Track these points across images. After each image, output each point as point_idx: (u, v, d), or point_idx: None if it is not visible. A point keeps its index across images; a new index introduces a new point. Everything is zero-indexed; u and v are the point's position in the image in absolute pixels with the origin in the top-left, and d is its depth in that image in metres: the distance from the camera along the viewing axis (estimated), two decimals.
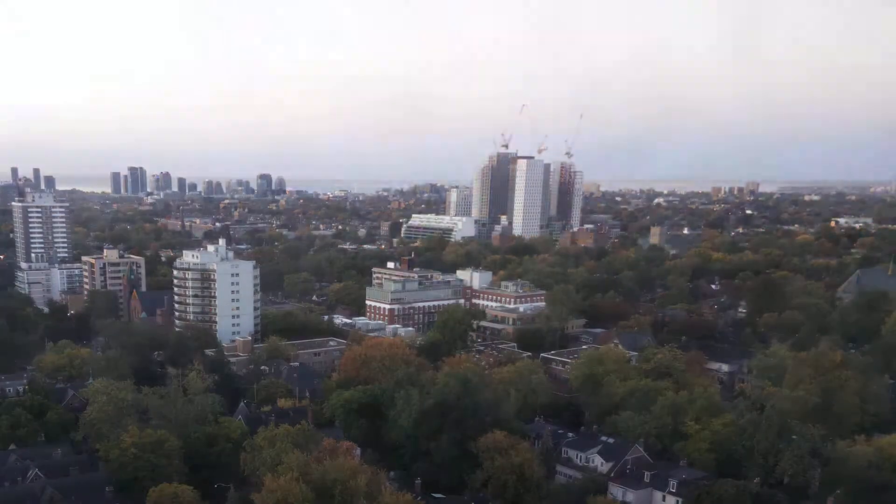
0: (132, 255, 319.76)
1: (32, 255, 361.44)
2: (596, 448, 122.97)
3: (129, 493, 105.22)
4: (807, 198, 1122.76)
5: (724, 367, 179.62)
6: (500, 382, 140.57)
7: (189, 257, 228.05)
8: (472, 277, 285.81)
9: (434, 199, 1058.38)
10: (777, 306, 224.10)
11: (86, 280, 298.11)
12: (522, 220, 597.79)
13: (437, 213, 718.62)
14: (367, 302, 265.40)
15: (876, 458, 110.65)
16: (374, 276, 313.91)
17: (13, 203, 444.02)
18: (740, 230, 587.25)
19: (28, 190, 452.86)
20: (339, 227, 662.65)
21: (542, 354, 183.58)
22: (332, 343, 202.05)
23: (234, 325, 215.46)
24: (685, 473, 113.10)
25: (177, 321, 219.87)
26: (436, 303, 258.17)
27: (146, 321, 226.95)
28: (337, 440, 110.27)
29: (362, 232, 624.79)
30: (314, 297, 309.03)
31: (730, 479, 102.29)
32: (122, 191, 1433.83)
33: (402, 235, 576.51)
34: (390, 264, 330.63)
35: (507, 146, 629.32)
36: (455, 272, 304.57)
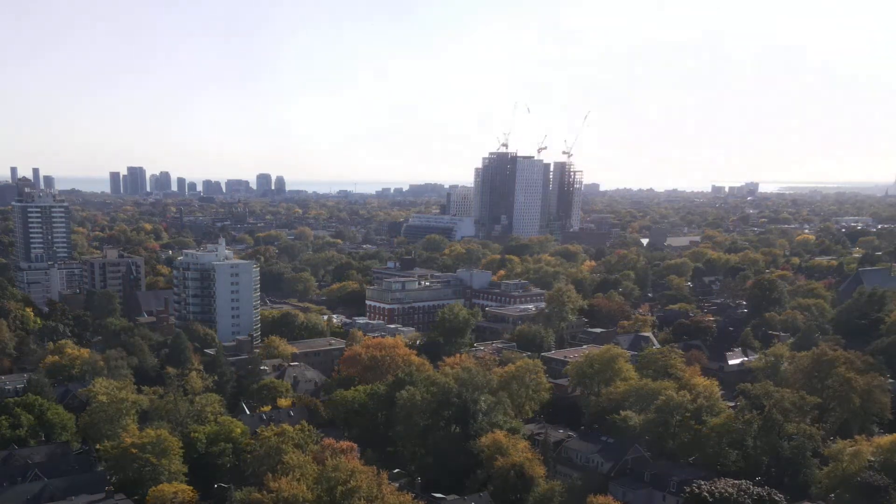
0: (131, 255, 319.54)
1: (32, 255, 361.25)
2: (596, 448, 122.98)
3: (129, 493, 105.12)
4: (807, 198, 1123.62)
5: (725, 367, 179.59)
6: (500, 382, 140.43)
7: (188, 257, 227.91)
8: (472, 277, 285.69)
9: (434, 199, 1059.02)
10: (777, 306, 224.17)
11: (85, 280, 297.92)
12: (522, 220, 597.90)
13: (437, 213, 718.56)
14: (367, 302, 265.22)
15: (876, 458, 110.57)
16: (375, 276, 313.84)
17: (13, 203, 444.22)
18: (740, 230, 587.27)
19: (27, 190, 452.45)
20: (339, 226, 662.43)
21: (542, 354, 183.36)
22: (332, 343, 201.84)
23: (233, 324, 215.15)
24: (685, 473, 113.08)
25: (176, 321, 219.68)
26: (436, 303, 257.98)
27: (146, 321, 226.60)
28: (337, 440, 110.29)
29: (362, 232, 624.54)
30: (314, 297, 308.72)
31: (730, 479, 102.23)
32: (122, 191, 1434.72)
33: (402, 235, 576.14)
34: (390, 264, 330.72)
35: (506, 145, 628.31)
36: (455, 272, 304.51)
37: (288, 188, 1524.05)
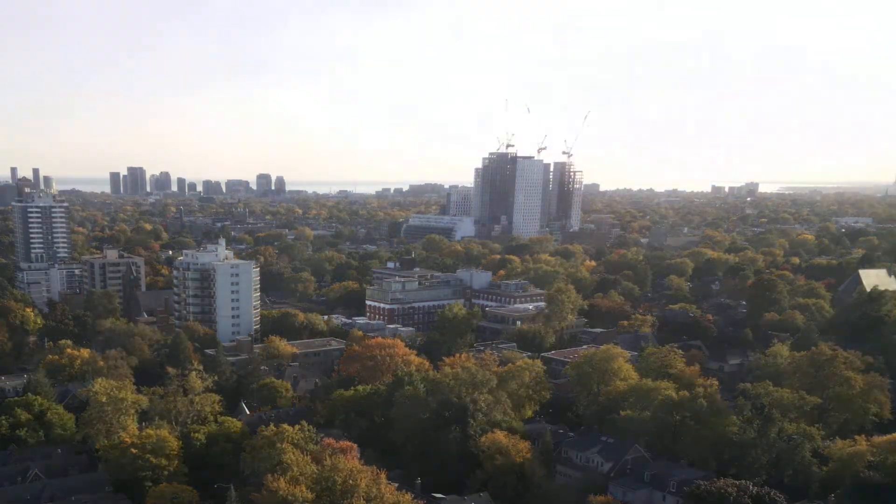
0: (131, 255, 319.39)
1: (32, 255, 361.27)
2: (596, 448, 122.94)
3: (129, 493, 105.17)
4: (807, 198, 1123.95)
5: (725, 367, 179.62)
6: (500, 382, 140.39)
7: (188, 257, 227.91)
8: (472, 277, 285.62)
9: (434, 199, 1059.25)
10: (776, 306, 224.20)
11: (85, 280, 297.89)
12: (522, 220, 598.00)
13: (437, 213, 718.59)
14: (367, 302, 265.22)
15: (876, 458, 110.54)
16: (375, 276, 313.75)
17: (13, 203, 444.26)
18: (740, 230, 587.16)
19: (27, 190, 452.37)
20: (339, 226, 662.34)
21: (542, 354, 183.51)
22: (332, 343, 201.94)
23: (233, 324, 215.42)
24: (685, 473, 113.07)
25: (176, 321, 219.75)
26: (436, 303, 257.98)
27: (146, 321, 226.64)
28: (337, 440, 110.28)
29: (362, 232, 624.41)
30: (314, 297, 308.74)
31: (730, 479, 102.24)
32: (122, 191, 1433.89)
33: (402, 235, 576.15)
34: (390, 264, 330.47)
35: (513, 145, 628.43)
36: (455, 272, 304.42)
37: (288, 188, 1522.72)
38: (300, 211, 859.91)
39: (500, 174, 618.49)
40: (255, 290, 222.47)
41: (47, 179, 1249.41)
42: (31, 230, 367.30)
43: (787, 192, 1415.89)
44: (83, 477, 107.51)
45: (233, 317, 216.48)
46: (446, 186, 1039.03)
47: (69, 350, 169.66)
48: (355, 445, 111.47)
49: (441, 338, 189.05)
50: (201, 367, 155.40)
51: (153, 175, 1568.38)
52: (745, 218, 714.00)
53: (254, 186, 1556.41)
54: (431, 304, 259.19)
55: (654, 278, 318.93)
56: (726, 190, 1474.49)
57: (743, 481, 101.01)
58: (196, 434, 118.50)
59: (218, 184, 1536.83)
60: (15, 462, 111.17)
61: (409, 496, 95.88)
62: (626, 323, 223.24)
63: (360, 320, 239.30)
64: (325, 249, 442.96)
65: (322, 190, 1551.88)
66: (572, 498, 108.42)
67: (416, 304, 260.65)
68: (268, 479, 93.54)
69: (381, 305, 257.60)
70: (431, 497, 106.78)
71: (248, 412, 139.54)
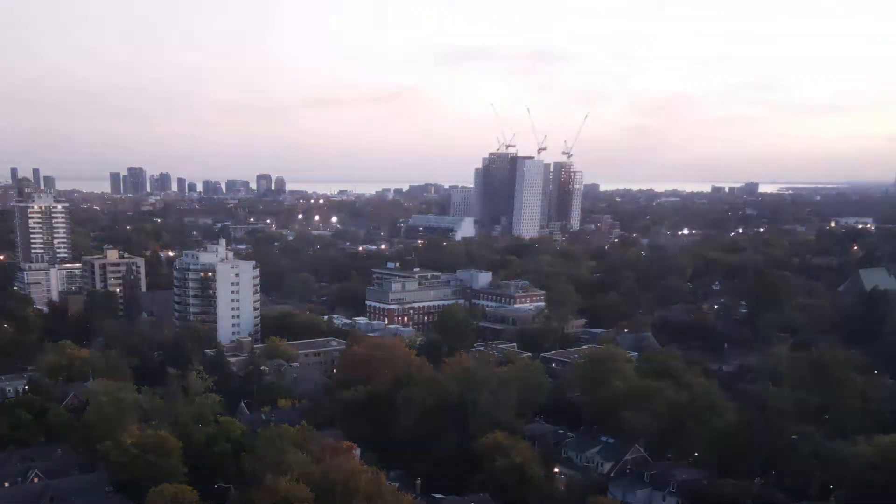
0: (132, 256, 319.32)
1: (32, 255, 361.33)
2: (596, 448, 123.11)
3: (129, 493, 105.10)
4: (807, 198, 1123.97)
5: (724, 367, 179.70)
6: (500, 382, 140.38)
7: (189, 257, 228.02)
8: (472, 277, 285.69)
9: (434, 199, 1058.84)
10: (776, 306, 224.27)
11: (85, 280, 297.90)
12: (522, 220, 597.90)
13: (438, 213, 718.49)
14: (367, 302, 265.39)
15: (876, 458, 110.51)
16: (375, 276, 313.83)
17: (13, 203, 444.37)
18: (740, 230, 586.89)
19: (27, 190, 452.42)
20: (339, 226, 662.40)
21: (542, 354, 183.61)
22: (332, 343, 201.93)
23: (233, 325, 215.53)
24: (685, 473, 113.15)
25: (177, 321, 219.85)
26: (436, 303, 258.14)
27: (146, 321, 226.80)
28: (337, 440, 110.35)
29: (362, 232, 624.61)
30: (314, 297, 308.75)
31: (730, 479, 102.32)
32: (122, 191, 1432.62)
33: (402, 235, 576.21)
34: (390, 264, 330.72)
35: (514, 146, 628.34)
36: (455, 272, 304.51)
37: (288, 188, 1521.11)
38: (300, 211, 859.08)
39: (500, 174, 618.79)
40: (256, 290, 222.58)
41: (48, 179, 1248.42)
42: (31, 230, 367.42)
43: (787, 193, 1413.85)
44: (83, 477, 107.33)
45: (233, 317, 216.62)
46: (446, 186, 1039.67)
47: (69, 350, 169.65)
48: (355, 445, 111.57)
49: (441, 338, 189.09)
50: (201, 368, 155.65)
51: (153, 175, 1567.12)
52: (745, 218, 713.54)
53: (254, 186, 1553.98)
54: (431, 304, 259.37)
55: (655, 278, 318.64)
56: (726, 190, 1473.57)
57: (743, 481, 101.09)
58: (196, 434, 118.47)
59: (218, 184, 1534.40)
60: (15, 462, 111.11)
61: (409, 496, 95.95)
62: (626, 323, 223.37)
63: (361, 320, 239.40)
64: (325, 249, 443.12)
65: (322, 190, 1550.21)
66: (572, 498, 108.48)
67: (416, 304, 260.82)
68: (268, 479, 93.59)
69: (382, 305, 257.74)
70: (431, 497, 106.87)
71: (248, 412, 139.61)
